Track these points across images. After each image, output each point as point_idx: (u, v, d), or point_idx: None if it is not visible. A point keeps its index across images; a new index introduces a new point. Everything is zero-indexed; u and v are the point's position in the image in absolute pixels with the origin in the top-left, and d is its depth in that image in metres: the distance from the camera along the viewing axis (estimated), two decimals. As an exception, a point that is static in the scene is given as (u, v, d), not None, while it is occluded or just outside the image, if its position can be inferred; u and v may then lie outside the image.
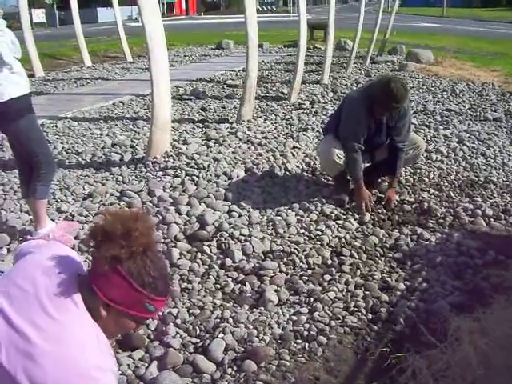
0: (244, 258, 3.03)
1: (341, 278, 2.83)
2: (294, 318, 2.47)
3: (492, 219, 3.57)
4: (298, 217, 3.57)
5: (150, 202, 3.73)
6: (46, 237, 3.09)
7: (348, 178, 3.92)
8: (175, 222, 3.36)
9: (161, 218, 3.42)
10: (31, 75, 9.22)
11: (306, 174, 4.40)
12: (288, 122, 6.22)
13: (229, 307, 2.57)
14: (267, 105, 7.29)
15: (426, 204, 3.75)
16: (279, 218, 3.53)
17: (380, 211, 3.72)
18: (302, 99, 7.55)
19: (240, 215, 3.55)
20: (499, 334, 1.94)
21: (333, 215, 3.60)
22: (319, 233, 3.35)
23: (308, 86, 8.76)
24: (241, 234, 3.25)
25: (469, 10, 44.62)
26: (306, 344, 2.30)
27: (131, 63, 12.31)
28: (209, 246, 3.15)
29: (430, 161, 4.76)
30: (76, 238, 3.24)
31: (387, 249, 3.20)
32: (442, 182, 4.25)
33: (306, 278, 2.84)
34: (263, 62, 11.75)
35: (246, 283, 2.77)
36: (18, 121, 2.91)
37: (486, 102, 7.53)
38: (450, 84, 8.96)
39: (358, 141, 3.63)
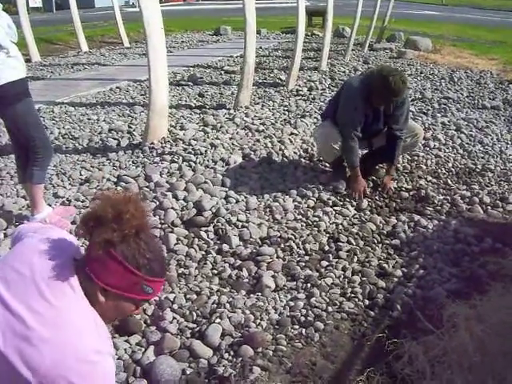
0: (241, 243, 3.03)
1: (338, 264, 2.84)
2: (291, 303, 2.48)
3: (489, 207, 3.58)
4: (296, 203, 3.57)
5: (146, 187, 3.72)
6: (43, 222, 3.08)
7: (345, 164, 3.91)
8: (172, 208, 3.34)
9: (158, 203, 3.41)
10: (28, 60, 9.13)
11: (303, 160, 4.39)
12: (286, 108, 6.19)
13: (226, 292, 2.57)
14: (265, 91, 7.25)
15: (423, 191, 3.76)
16: (276, 204, 3.52)
17: (377, 198, 3.72)
18: (299, 86, 7.52)
19: (237, 201, 3.55)
20: (495, 321, 1.95)
21: (330, 201, 3.60)
22: (316, 219, 3.34)
23: (306, 72, 8.71)
24: (238, 220, 3.24)
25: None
26: (303, 329, 2.30)
27: (128, 49, 12.20)
28: (206, 231, 3.14)
29: (427, 148, 4.75)
30: (73, 222, 3.23)
31: (384, 235, 3.21)
32: (439, 170, 4.25)
33: (303, 263, 2.84)
34: (261, 48, 11.68)
35: (243, 269, 2.77)
36: (16, 105, 2.88)
37: (484, 90, 7.53)
38: (448, 72, 8.95)
39: (356, 128, 3.63)
